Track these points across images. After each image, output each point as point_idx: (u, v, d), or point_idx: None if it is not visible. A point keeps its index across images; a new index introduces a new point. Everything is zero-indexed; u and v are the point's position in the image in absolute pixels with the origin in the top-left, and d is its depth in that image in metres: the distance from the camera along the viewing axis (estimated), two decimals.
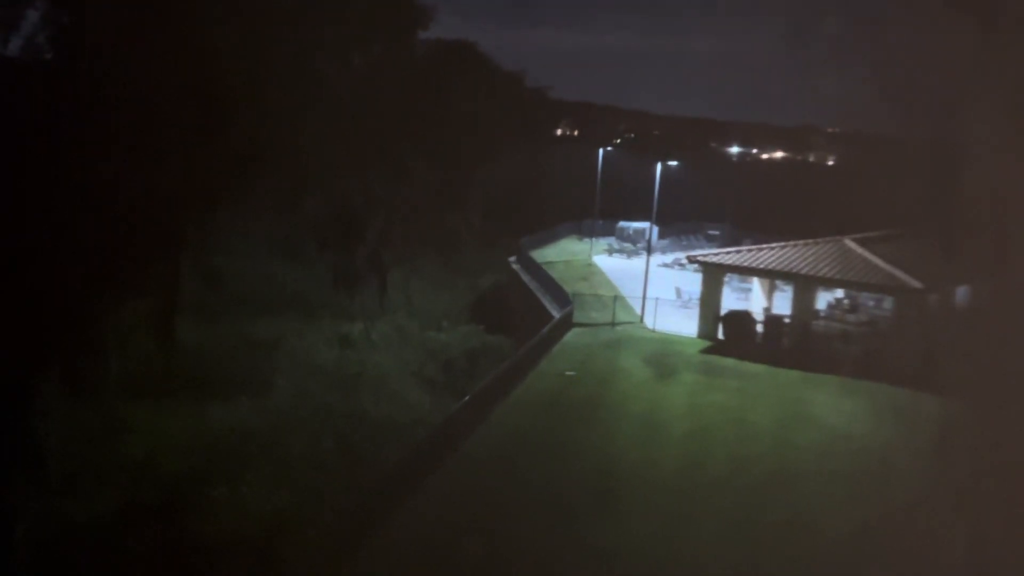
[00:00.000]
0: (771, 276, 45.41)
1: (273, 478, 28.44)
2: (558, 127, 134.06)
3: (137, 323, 36.28)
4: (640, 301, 47.38)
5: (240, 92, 34.54)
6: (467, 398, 30.52)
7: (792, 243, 45.44)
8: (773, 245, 45.82)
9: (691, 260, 49.24)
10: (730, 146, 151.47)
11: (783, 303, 45.30)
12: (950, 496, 25.76)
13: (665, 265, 60.69)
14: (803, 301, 43.13)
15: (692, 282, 49.27)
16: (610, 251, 67.44)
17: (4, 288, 26.09)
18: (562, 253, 66.09)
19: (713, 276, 45.29)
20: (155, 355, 36.77)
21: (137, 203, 29.21)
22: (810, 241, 45.34)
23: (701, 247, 65.68)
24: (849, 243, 44.64)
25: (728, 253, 46.85)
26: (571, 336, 43.37)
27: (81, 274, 27.57)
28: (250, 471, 28.70)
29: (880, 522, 24.90)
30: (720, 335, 43.59)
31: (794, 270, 43.14)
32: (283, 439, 31.66)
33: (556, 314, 45.71)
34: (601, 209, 69.55)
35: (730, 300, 46.65)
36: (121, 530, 24.52)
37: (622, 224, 70.59)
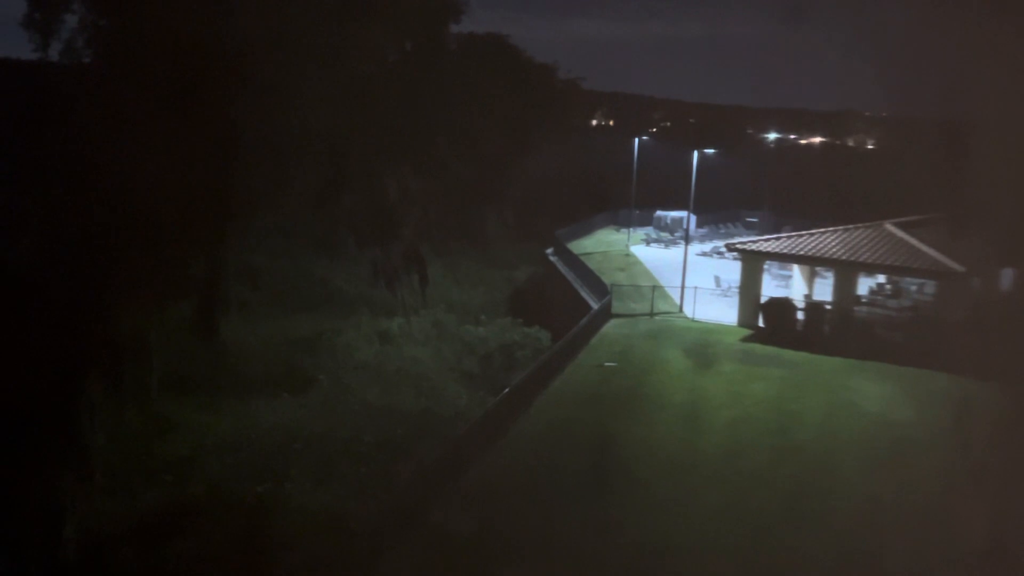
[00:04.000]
0: (811, 263, 44.96)
1: (317, 473, 28.66)
2: (593, 117, 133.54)
3: (180, 322, 36.68)
4: (679, 290, 47.12)
5: (276, 90, 34.78)
6: (507, 391, 30.53)
7: (832, 229, 44.96)
8: (813, 231, 45.36)
9: (730, 248, 48.87)
10: (767, 132, 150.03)
11: (824, 290, 44.85)
12: (998, 484, 25.46)
13: (704, 254, 60.30)
14: (844, 287, 42.67)
15: (731, 270, 48.91)
16: (648, 241, 67.11)
17: (48, 288, 26.45)
18: (599, 244, 65.87)
19: (752, 264, 44.92)
20: (198, 353, 37.17)
21: (177, 203, 29.49)
22: (850, 226, 44.84)
23: (740, 235, 65.19)
24: (890, 227, 44.10)
25: (767, 240, 46.44)
26: (610, 327, 43.23)
27: (124, 274, 27.89)
28: (295, 467, 28.96)
29: (932, 513, 24.64)
30: (760, 323, 43.24)
31: (834, 256, 42.68)
32: (326, 435, 31.89)
33: (594, 305, 45.56)
34: (638, 199, 69.22)
35: (770, 288, 46.26)
36: (168, 528, 24.82)
37: (659, 213, 70.20)
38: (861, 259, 42.03)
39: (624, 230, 69.33)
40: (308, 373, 38.37)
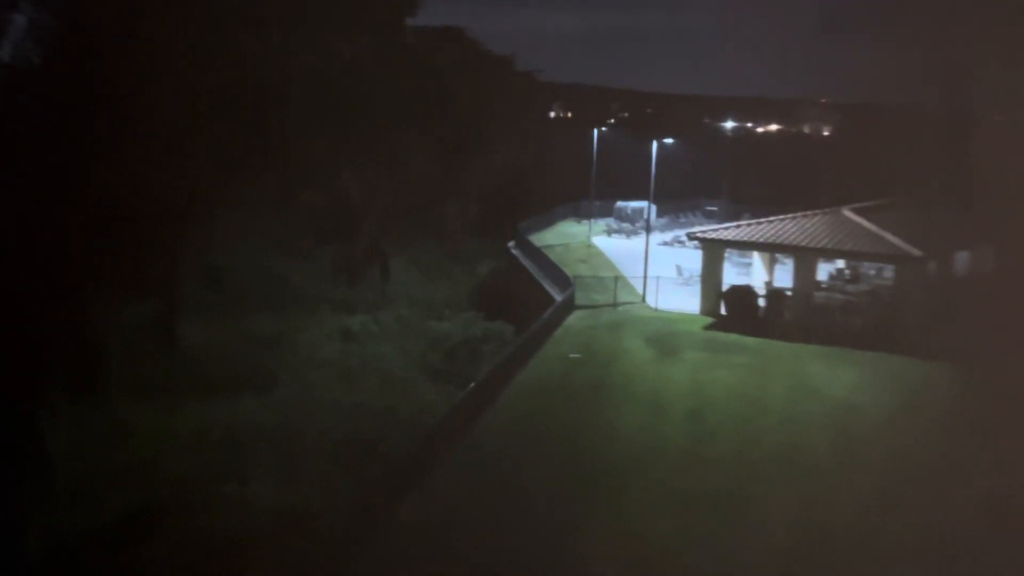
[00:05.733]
0: (771, 250, 45.36)
1: (284, 473, 28.46)
2: (551, 109, 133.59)
3: (139, 324, 36.25)
4: (641, 280, 47.34)
5: (230, 87, 34.42)
6: (472, 385, 30.52)
7: (791, 215, 45.39)
8: (772, 218, 45.77)
9: (691, 237, 49.16)
10: (724, 121, 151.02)
11: (784, 276, 45.27)
12: (964, 464, 25.84)
13: (665, 243, 60.62)
14: (804, 273, 43.09)
15: (692, 259, 49.21)
16: (609, 232, 67.34)
17: (4, 294, 26.03)
18: (561, 236, 65.98)
19: (713, 252, 45.23)
20: (158, 355, 36.76)
21: (134, 204, 29.12)
22: (808, 213, 45.28)
23: (700, 224, 65.58)
24: (847, 213, 44.59)
25: (727, 228, 46.77)
26: (573, 319, 43.34)
27: (80, 277, 27.52)
28: (260, 467, 28.72)
29: (891, 496, 24.96)
30: (722, 311, 43.57)
31: (793, 243, 43.08)
32: (290, 434, 31.67)
33: (557, 297, 45.65)
34: (598, 190, 69.43)
35: (731, 275, 46.62)
36: (133, 533, 24.55)
37: (620, 204, 70.45)
38: (820, 245, 42.46)
39: (585, 221, 69.50)
40: (271, 372, 38.06)
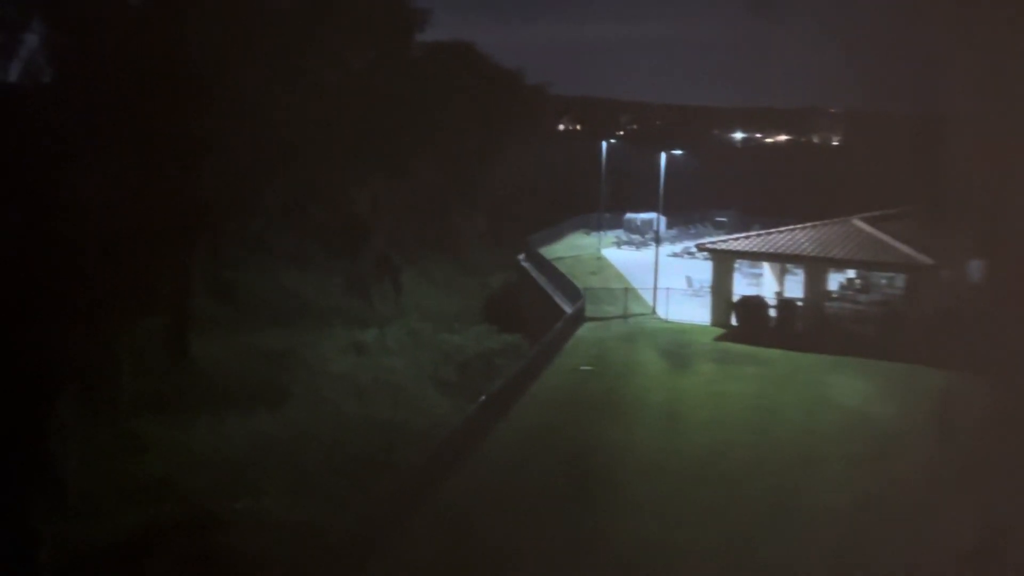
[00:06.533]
0: (781, 260, 45.23)
1: (296, 488, 28.44)
2: (560, 122, 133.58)
3: (151, 340, 36.31)
4: (652, 292, 47.24)
5: (242, 103, 34.59)
6: (484, 398, 30.47)
7: (801, 226, 45.26)
8: (782, 229, 45.65)
9: (700, 248, 49.06)
10: (733, 132, 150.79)
11: (795, 287, 45.12)
12: (982, 477, 25.60)
13: (675, 255, 60.49)
14: (815, 283, 42.95)
15: (703, 270, 49.09)
16: (619, 243, 67.25)
17: (16, 310, 26.12)
18: (571, 248, 65.92)
19: (723, 263, 45.12)
20: (170, 371, 36.79)
21: (145, 221, 29.22)
22: (819, 223, 45.14)
23: (709, 235, 65.41)
24: (858, 223, 44.44)
25: (737, 239, 46.66)
26: (584, 331, 43.25)
27: (92, 293, 27.60)
28: (272, 482, 28.70)
29: (920, 508, 24.74)
30: (733, 322, 43.42)
31: (804, 253, 42.95)
32: (303, 449, 31.65)
33: (568, 309, 45.57)
34: (607, 202, 69.38)
35: (742, 286, 46.48)
36: (145, 549, 24.52)
37: (629, 216, 70.40)
38: (831, 255, 42.32)
39: (595, 234, 69.43)
40: (283, 387, 38.07)
